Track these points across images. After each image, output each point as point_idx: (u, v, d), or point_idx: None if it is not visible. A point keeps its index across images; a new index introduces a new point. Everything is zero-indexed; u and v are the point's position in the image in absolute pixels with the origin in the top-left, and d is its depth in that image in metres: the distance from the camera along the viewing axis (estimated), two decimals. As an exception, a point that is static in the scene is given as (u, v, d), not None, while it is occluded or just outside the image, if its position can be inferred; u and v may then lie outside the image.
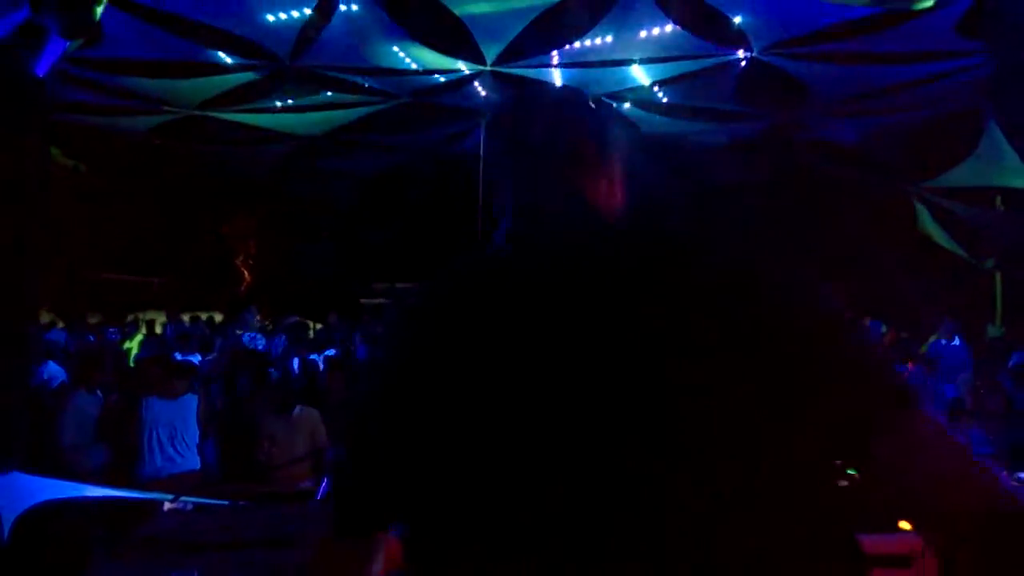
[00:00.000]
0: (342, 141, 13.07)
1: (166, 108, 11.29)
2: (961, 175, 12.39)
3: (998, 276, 13.29)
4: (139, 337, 10.43)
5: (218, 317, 14.25)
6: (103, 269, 14.19)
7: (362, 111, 11.84)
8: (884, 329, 11.57)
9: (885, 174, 13.40)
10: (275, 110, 11.48)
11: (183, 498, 2.43)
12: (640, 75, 10.77)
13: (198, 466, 5.81)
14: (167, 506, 2.39)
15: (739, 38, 9.62)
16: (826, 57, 9.95)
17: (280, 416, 5.95)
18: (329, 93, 10.99)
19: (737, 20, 9.25)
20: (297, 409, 6.03)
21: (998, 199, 12.61)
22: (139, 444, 5.60)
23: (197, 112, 11.41)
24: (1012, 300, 13.09)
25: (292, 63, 9.87)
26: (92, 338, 9.93)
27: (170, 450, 5.72)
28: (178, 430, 5.78)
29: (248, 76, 10.28)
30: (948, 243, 13.61)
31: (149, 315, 12.63)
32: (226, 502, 2.42)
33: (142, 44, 9.18)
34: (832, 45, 9.67)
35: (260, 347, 8.89)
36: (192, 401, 5.94)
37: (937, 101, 11.46)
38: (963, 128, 11.66)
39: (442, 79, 10.59)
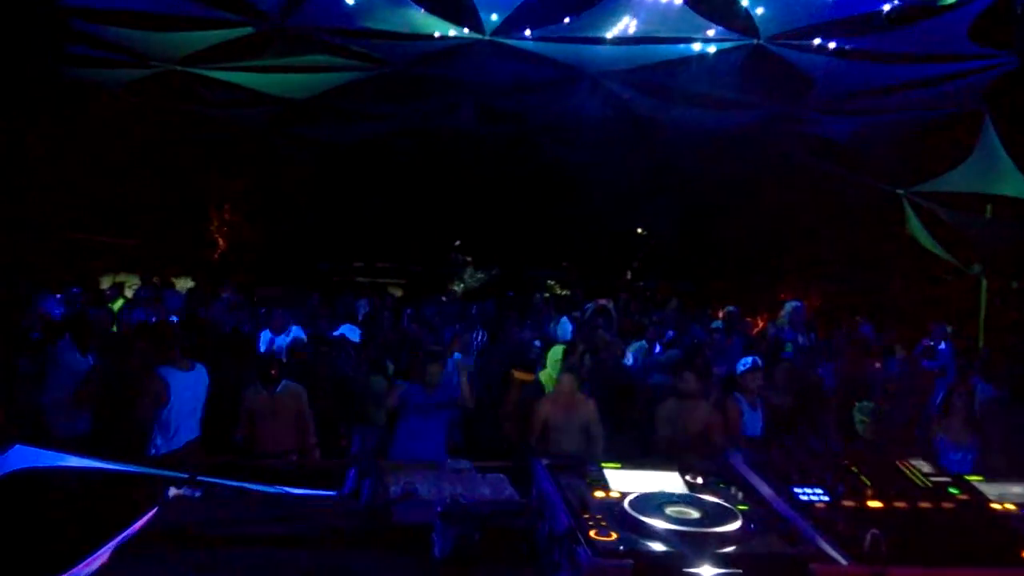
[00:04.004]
0: (327, 107, 12.64)
1: (150, 63, 10.83)
2: (954, 180, 12.37)
3: (983, 282, 13.34)
4: (120, 302, 10.07)
5: (189, 283, 13.88)
6: (73, 230, 13.69)
7: (351, 76, 11.44)
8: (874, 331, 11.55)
9: (877, 174, 13.35)
10: (261, 70, 11.03)
11: (199, 477, 2.17)
12: (639, 55, 10.53)
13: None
14: (173, 492, 2.12)
15: (747, 24, 9.43)
16: (832, 51, 9.81)
17: (265, 390, 5.72)
18: (319, 56, 10.59)
19: (746, 3, 9.05)
20: (282, 384, 5.80)
21: (988, 207, 12.61)
22: (151, 417, 5.34)
23: (179, 68, 10.95)
24: (996, 306, 13.17)
25: (283, 22, 9.49)
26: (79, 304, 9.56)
27: (191, 423, 5.50)
28: (197, 403, 5.57)
29: (235, 33, 9.86)
30: (935, 247, 13.63)
31: (120, 278, 12.24)
32: (246, 485, 2.18)
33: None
34: (840, 40, 9.54)
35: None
36: (203, 373, 5.70)
37: (935, 104, 11.40)
38: (958, 133, 11.63)
39: (438, 46, 10.26)
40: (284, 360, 6.86)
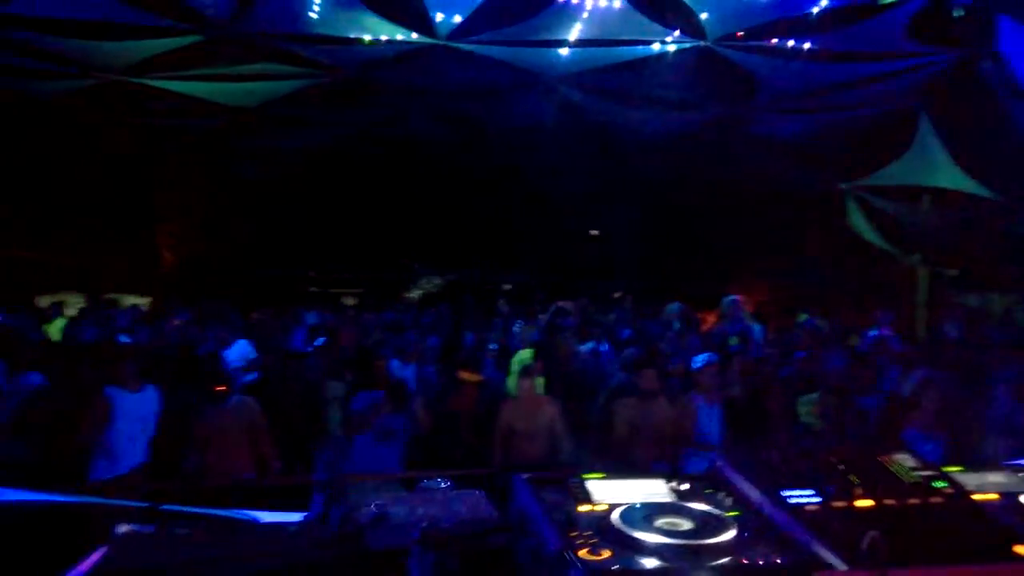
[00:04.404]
0: (278, 115, 12.37)
1: (90, 73, 10.44)
2: (892, 174, 12.74)
3: (922, 271, 13.74)
4: (60, 322, 9.63)
5: (137, 300, 13.40)
6: (8, 247, 13.09)
7: (302, 83, 11.21)
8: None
9: (820, 170, 13.66)
10: (208, 79, 10.72)
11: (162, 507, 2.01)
12: (589, 59, 10.55)
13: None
14: (123, 529, 1.96)
15: (694, 26, 9.53)
16: (778, 52, 9.97)
17: (214, 408, 5.51)
18: (267, 63, 10.33)
19: (693, 7, 9.13)
20: (234, 399, 5.60)
21: (926, 198, 12.99)
22: (99, 440, 5.08)
23: (122, 78, 10.57)
24: (935, 294, 13.58)
25: (230, 28, 9.23)
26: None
27: (137, 447, 5.24)
28: (146, 426, 5.32)
29: (181, 41, 9.55)
30: (876, 238, 13.99)
31: (60, 297, 11.75)
32: (209, 512, 2.03)
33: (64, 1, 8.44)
34: (785, 40, 9.71)
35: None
36: (154, 395, 5.46)
37: (875, 101, 11.70)
38: (897, 128, 11.96)
39: (390, 52, 10.11)
40: (233, 376, 6.62)
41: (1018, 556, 1.63)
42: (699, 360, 6.41)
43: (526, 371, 6.20)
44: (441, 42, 9.64)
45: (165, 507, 2.04)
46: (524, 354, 7.01)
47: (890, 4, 7.99)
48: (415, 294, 17.12)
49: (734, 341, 9.94)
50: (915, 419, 5.79)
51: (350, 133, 13.83)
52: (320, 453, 6.44)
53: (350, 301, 15.55)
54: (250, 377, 7.48)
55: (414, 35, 9.61)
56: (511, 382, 6.75)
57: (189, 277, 15.27)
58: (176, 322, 9.80)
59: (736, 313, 10.57)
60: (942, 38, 9.06)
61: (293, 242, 16.26)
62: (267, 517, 2.23)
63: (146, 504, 2.03)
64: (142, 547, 1.91)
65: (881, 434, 6.01)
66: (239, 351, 7.86)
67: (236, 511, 2.23)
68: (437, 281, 17.61)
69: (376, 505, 2.03)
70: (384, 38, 9.69)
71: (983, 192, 11.17)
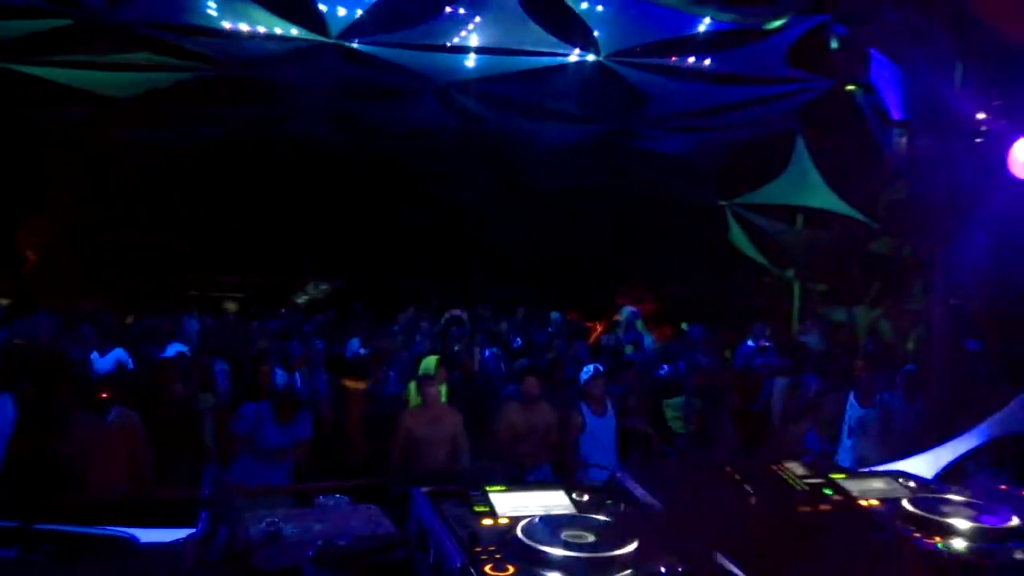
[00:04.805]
0: (159, 109, 11.70)
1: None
2: (769, 193, 13.45)
3: (796, 286, 14.58)
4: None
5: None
6: None
7: (184, 76, 10.65)
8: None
9: (703, 187, 14.26)
10: (83, 66, 10.01)
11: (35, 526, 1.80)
12: (485, 67, 10.59)
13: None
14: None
15: (589, 40, 9.73)
16: (667, 70, 10.33)
17: (94, 416, 5.14)
18: (149, 53, 9.77)
19: (588, 22, 9.33)
20: (116, 410, 5.24)
21: (800, 217, 13.80)
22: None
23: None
24: (807, 308, 14.43)
25: (108, 15, 8.66)
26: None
27: None
28: None
29: (51, 24, 8.88)
30: (754, 253, 14.73)
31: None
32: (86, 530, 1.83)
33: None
34: (673, 59, 10.07)
35: None
36: (7, 402, 5.01)
37: (755, 123, 12.33)
38: (775, 150, 12.64)
39: (280, 49, 9.77)
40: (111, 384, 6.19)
41: (903, 559, 1.71)
42: (586, 371, 6.56)
43: (428, 379, 6.17)
44: (332, 40, 9.42)
45: (37, 526, 1.84)
46: (429, 362, 6.95)
47: (774, 30, 8.42)
48: (302, 299, 16.60)
49: (629, 350, 10.25)
50: (811, 424, 6.13)
51: (236, 131, 13.28)
52: (207, 467, 6.11)
53: (232, 306, 14.87)
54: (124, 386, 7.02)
55: (303, 32, 9.33)
56: (412, 389, 6.68)
57: (55, 278, 14.21)
58: (38, 323, 9.09)
59: (632, 323, 10.93)
60: (819, 66, 9.64)
61: (172, 243, 15.45)
62: (148, 536, 2.07)
63: (13, 524, 1.82)
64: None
65: (776, 440, 6.31)
66: (112, 358, 7.38)
67: (113, 529, 2.05)
68: (324, 287, 17.13)
69: (267, 522, 1.91)
70: (277, 31, 9.37)
71: (852, 213, 11.95)
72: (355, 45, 9.53)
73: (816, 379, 7.79)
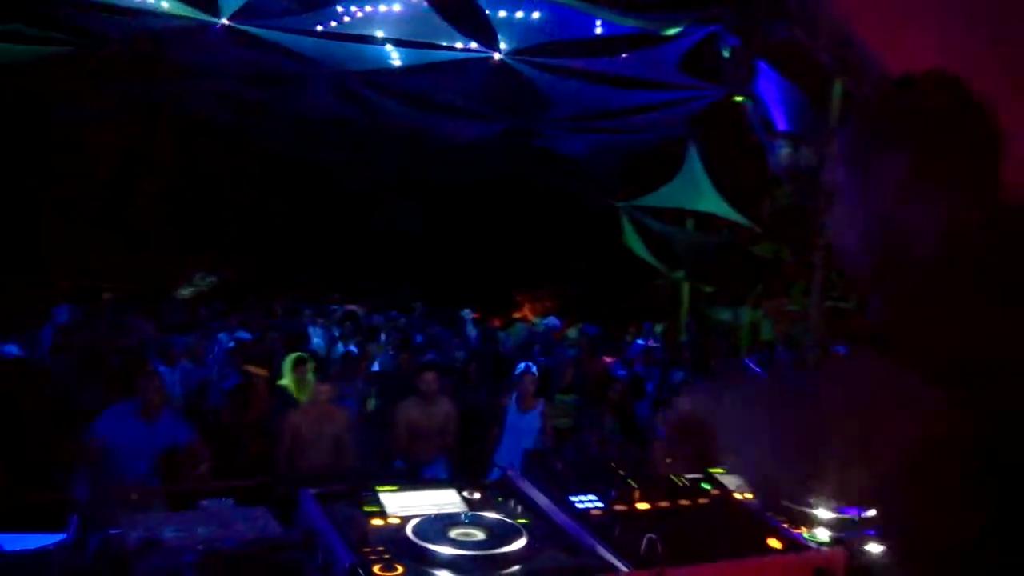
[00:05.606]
0: (27, 83, 10.89)
1: None
2: (662, 196, 13.89)
3: (685, 286, 15.15)
4: None
5: None
6: None
7: (58, 49, 9.95)
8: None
9: (598, 188, 14.58)
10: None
11: None
12: (391, 59, 10.44)
13: None
14: None
15: (491, 37, 9.73)
16: (567, 71, 10.47)
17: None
18: (17, 24, 9.07)
19: (492, 19, 9.34)
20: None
21: (690, 221, 14.34)
22: None
23: None
24: (694, 307, 15.03)
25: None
26: None
27: None
28: None
29: None
30: (646, 255, 15.18)
31: None
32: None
33: None
34: (573, 61, 10.22)
35: None
36: None
37: (649, 127, 12.69)
38: (668, 155, 13.07)
39: (166, 26, 9.28)
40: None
41: (774, 548, 1.82)
42: (519, 368, 6.57)
43: (300, 372, 6.15)
44: (221, 21, 9.04)
45: None
46: (291, 358, 6.74)
47: (669, 37, 8.69)
48: (187, 292, 15.84)
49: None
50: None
51: (120, 110, 12.55)
52: (79, 468, 5.73)
53: (108, 296, 14.00)
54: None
55: (192, 10, 8.91)
56: (288, 381, 6.50)
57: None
58: None
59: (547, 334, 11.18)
60: (711, 74, 10.02)
61: (41, 227, 14.41)
62: (12, 543, 1.94)
63: None
64: None
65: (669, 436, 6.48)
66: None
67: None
68: (211, 279, 16.36)
69: (146, 528, 1.82)
70: (165, 6, 8.88)
71: (738, 218, 12.51)
72: (245, 27, 9.16)
73: (681, 372, 8.22)
